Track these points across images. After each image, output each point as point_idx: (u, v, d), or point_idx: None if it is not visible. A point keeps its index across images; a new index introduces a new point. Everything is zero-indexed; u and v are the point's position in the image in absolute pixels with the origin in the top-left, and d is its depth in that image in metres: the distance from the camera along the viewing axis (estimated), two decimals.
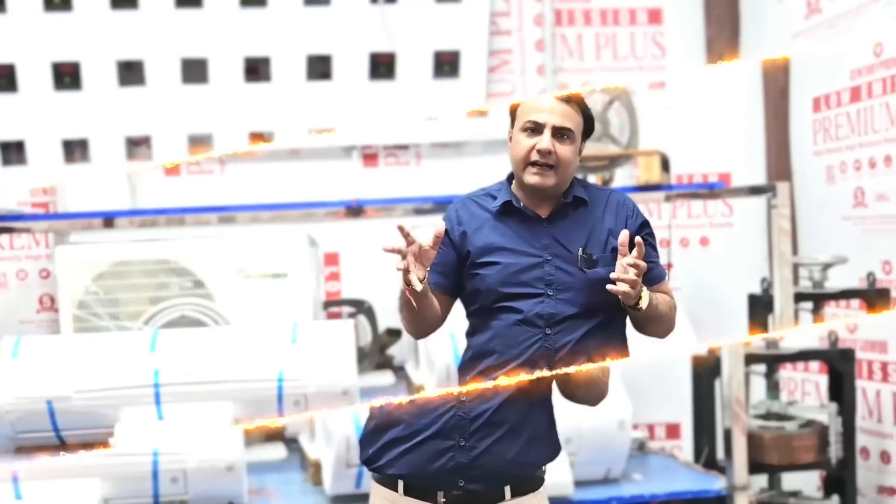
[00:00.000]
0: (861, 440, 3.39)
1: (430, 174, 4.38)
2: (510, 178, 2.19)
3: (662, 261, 4.57)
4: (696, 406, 3.61)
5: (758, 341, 3.36)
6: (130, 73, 3.84)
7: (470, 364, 2.16)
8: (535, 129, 2.07)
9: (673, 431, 4.22)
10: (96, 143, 3.89)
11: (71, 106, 3.82)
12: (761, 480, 3.33)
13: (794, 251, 4.31)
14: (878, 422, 3.39)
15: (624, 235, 1.94)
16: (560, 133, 2.06)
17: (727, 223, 4.57)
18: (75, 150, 3.96)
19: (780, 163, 4.51)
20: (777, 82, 4.51)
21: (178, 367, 3.04)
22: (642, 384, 3.70)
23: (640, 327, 2.14)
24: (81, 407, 2.98)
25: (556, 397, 2.10)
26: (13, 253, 4.11)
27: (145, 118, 3.88)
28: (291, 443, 3.73)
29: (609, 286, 1.93)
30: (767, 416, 3.30)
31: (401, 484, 2.04)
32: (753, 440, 3.13)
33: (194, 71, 3.85)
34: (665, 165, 3.59)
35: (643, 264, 1.91)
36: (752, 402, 3.33)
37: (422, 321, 2.08)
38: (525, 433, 2.02)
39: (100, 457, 2.83)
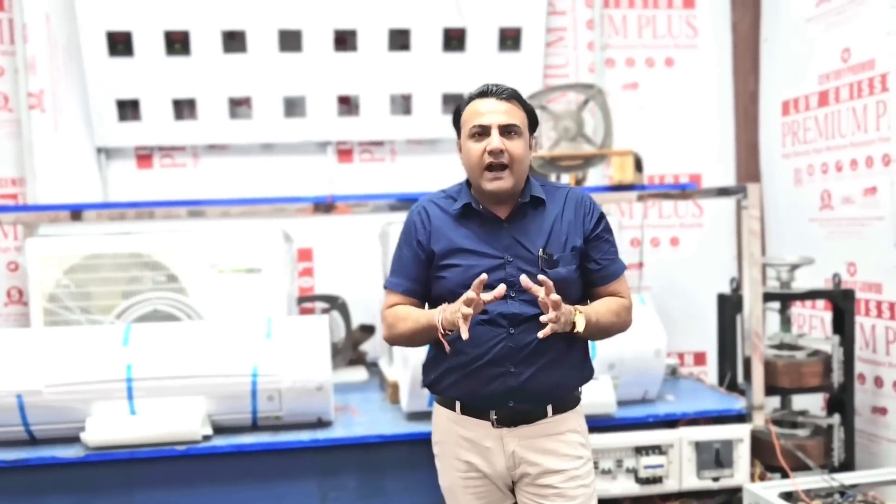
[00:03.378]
0: (858, 367, 3.76)
1: (405, 170, 4.41)
2: (468, 180, 2.25)
3: (633, 259, 4.60)
4: (720, 337, 3.89)
5: (773, 282, 3.76)
6: (233, 41, 4.10)
7: (434, 362, 2.27)
8: (483, 132, 2.14)
9: (700, 359, 4.64)
10: (203, 103, 4.13)
11: (180, 69, 4.06)
12: (774, 401, 3.70)
13: (762, 252, 4.39)
14: (872, 352, 3.76)
15: (524, 281, 2.01)
16: (507, 130, 2.14)
17: (697, 223, 4.63)
18: (184, 108, 4.18)
19: (749, 165, 4.58)
20: (747, 85, 4.58)
21: (151, 362, 3.02)
22: (674, 318, 4.32)
23: (591, 340, 2.25)
24: (52, 401, 2.95)
25: None
26: None
27: (246, 81, 4.15)
28: (372, 367, 4.16)
29: (540, 333, 2.00)
30: (780, 346, 3.63)
31: (458, 405, 2.23)
32: (768, 367, 3.46)
33: (290, 40, 4.13)
34: (638, 166, 3.63)
35: (555, 298, 1.98)
36: (767, 335, 3.69)
37: (426, 344, 2.25)
38: (565, 361, 2.19)
39: (204, 377, 3.02)
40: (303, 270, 4.33)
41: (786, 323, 3.67)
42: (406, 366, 3.19)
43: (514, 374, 2.12)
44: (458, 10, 4.18)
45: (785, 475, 3.23)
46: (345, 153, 4.38)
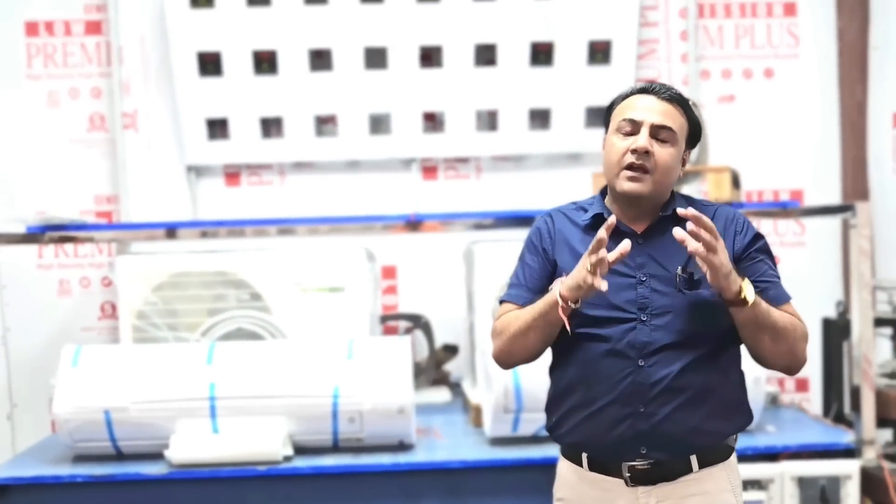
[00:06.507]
0: None
1: (491, 188, 4.32)
2: (604, 191, 2.03)
3: None
4: (825, 365, 3.69)
5: (883, 306, 3.52)
6: (320, 59, 4.15)
7: (555, 403, 2.02)
8: (632, 128, 1.89)
9: (802, 385, 4.37)
10: (289, 121, 4.18)
11: (267, 88, 4.13)
12: (886, 434, 3.47)
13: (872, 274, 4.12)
14: None
15: (679, 234, 1.73)
16: (660, 132, 1.87)
17: (799, 242, 4.38)
18: (271, 127, 4.24)
19: (856, 180, 4.32)
20: (854, 96, 4.32)
21: (233, 381, 3.01)
22: None
23: (752, 342, 1.87)
24: (138, 418, 2.97)
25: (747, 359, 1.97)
26: (76, 260, 4.16)
27: (332, 99, 4.17)
28: (455, 387, 4.06)
29: (678, 234, 1.73)
30: (893, 374, 3.40)
31: (585, 458, 1.95)
32: (880, 397, 3.23)
33: (375, 58, 4.15)
34: (735, 182, 3.46)
35: (706, 236, 1.71)
36: (878, 362, 3.44)
37: (542, 347, 1.96)
38: (710, 400, 1.87)
39: (286, 397, 3.02)
40: (387, 288, 4.29)
41: None
42: (490, 388, 3.09)
43: (645, 414, 1.83)
44: (546, 24, 4.08)
45: None
46: (429, 170, 4.33)
